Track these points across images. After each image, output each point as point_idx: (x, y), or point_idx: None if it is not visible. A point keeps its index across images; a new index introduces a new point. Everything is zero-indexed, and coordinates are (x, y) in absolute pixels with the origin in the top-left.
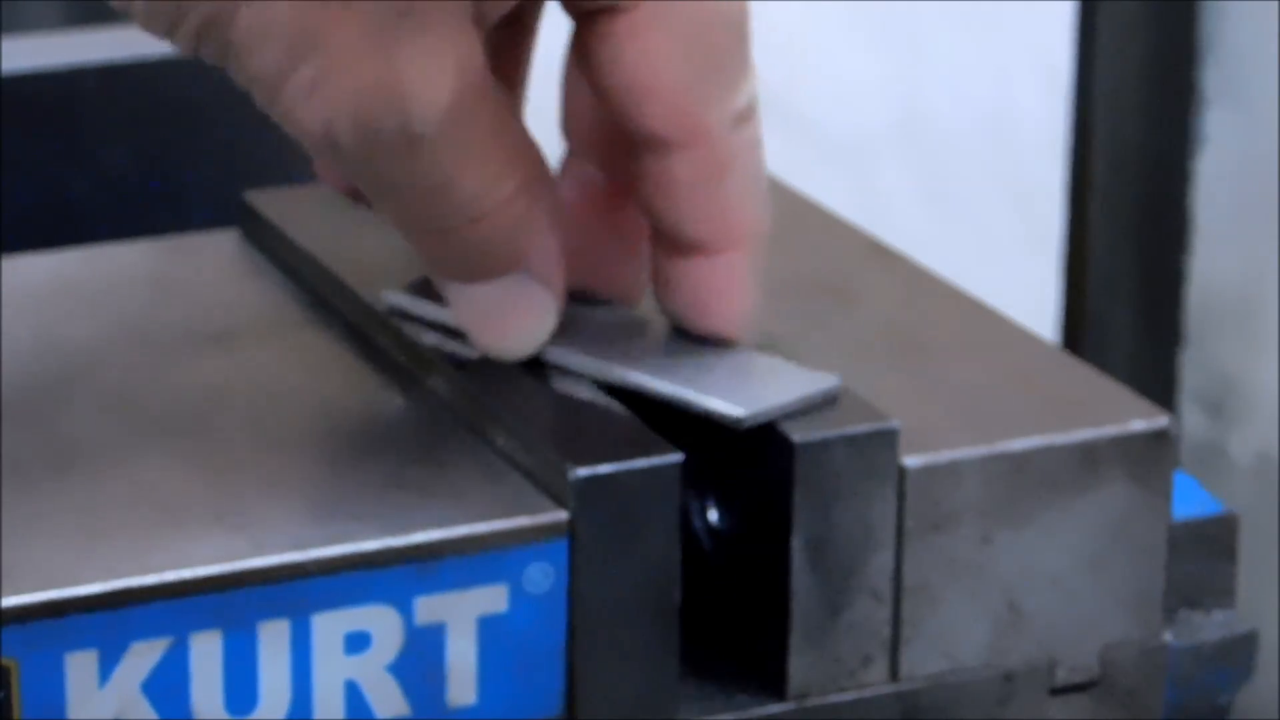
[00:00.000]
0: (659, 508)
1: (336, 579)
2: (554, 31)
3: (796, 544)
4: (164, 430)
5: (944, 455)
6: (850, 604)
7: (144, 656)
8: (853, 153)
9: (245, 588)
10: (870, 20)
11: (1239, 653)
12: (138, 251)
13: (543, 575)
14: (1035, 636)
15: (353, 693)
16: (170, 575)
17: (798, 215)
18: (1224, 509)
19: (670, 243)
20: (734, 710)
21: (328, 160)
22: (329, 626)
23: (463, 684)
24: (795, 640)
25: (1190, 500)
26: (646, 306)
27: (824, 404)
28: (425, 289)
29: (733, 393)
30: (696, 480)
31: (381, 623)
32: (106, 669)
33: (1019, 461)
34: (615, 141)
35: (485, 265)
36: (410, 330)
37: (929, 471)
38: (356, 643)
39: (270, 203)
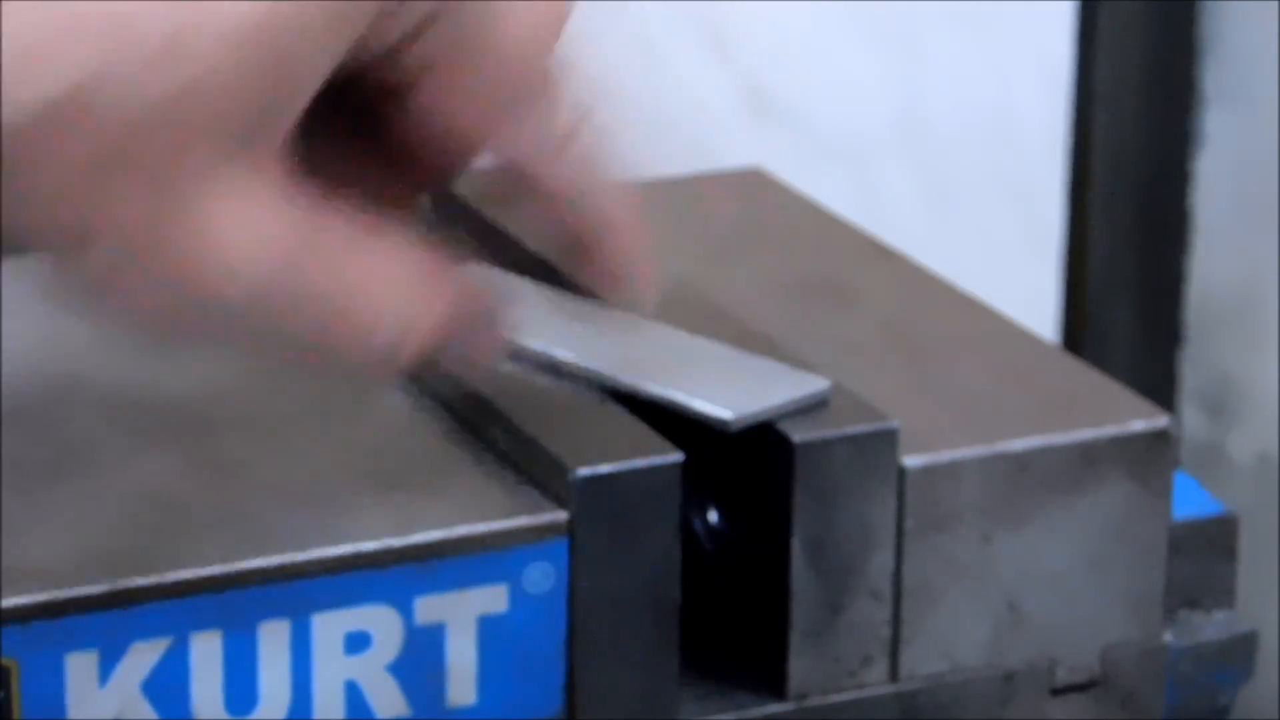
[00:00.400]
0: (659, 508)
1: (336, 579)
2: None
3: (796, 544)
4: (164, 430)
5: (944, 455)
6: (850, 604)
7: (144, 656)
8: (852, 153)
9: (245, 588)
10: (869, 20)
11: (1239, 653)
12: None
13: (543, 575)
14: (1035, 636)
15: (353, 693)
16: (170, 575)
17: (798, 215)
18: (1224, 509)
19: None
20: (734, 710)
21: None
22: (329, 626)
23: (463, 684)
24: (795, 640)
25: (1190, 500)
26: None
27: (814, 407)
28: None
29: (723, 395)
30: (697, 480)
31: (381, 623)
32: (106, 669)
33: (1019, 461)
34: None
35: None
36: None
37: (929, 471)
38: (356, 643)
39: None
